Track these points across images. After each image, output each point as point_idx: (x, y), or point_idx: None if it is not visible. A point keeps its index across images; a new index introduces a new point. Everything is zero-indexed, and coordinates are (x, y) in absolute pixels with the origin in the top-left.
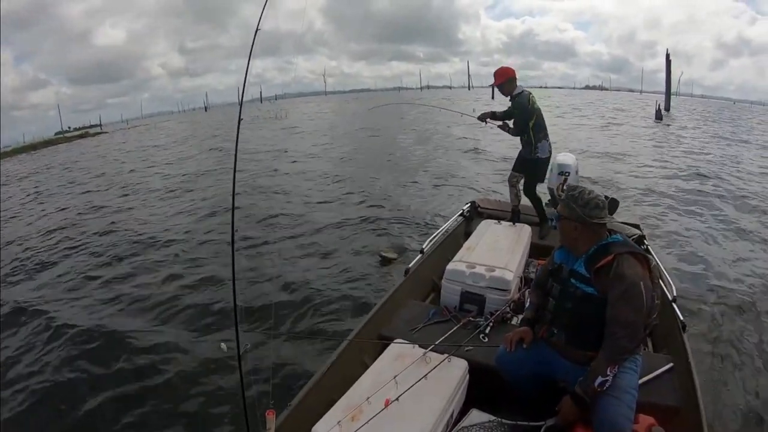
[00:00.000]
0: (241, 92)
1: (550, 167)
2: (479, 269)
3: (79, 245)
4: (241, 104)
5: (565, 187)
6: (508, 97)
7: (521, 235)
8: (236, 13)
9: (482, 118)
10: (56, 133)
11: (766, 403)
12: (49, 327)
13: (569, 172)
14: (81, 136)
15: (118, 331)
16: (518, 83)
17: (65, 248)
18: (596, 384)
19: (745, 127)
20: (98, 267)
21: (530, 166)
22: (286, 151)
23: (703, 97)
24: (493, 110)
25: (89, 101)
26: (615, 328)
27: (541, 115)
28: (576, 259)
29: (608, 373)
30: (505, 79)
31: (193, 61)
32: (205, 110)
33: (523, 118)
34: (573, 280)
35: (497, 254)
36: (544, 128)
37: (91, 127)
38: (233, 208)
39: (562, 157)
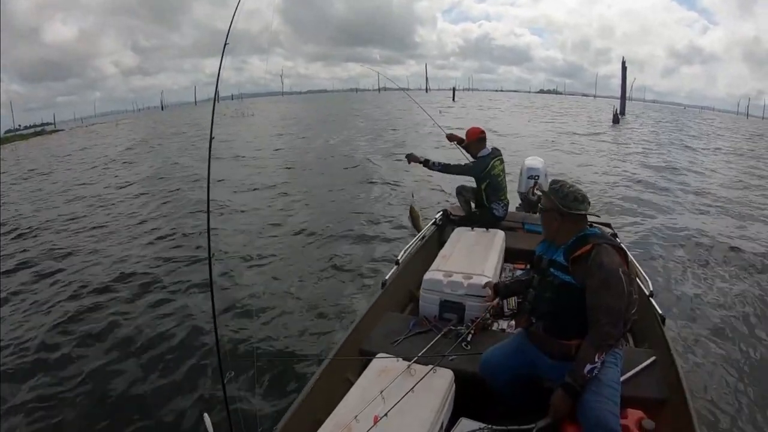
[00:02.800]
0: (215, 95)
1: (519, 171)
2: (456, 277)
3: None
4: (215, 105)
5: (536, 190)
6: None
7: (495, 240)
8: (189, 11)
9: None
10: (7, 132)
11: (750, 387)
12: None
13: (538, 176)
14: (37, 134)
15: (93, 361)
16: (486, 144)
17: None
18: (585, 371)
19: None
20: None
21: (484, 214)
22: None
23: (654, 102)
24: (427, 158)
25: (38, 99)
26: (598, 314)
27: (498, 181)
28: (556, 250)
29: (596, 360)
30: (474, 138)
31: (146, 59)
32: (162, 109)
33: (472, 174)
34: (552, 269)
35: (473, 261)
36: (500, 191)
37: (44, 125)
38: (209, 228)
39: (530, 161)
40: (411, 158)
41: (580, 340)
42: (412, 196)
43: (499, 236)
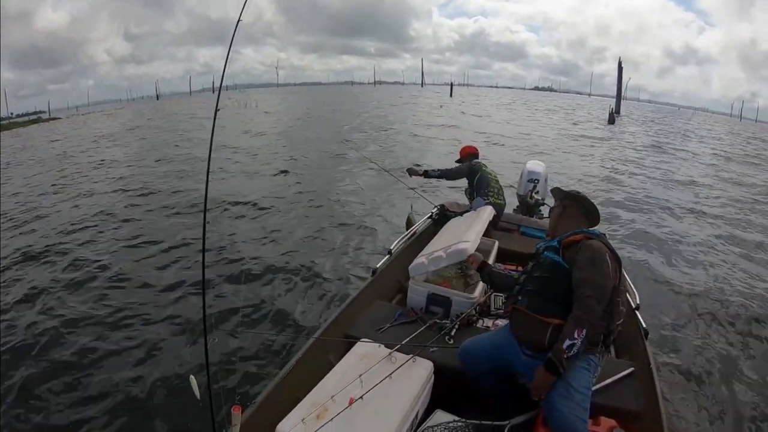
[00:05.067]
0: (220, 83)
1: (520, 174)
2: (437, 253)
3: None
4: (219, 94)
5: (534, 194)
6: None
7: (480, 213)
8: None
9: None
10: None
11: (723, 406)
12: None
13: (538, 180)
14: (32, 122)
15: (78, 328)
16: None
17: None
18: (564, 346)
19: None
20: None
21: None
22: None
23: (649, 102)
24: (426, 170)
25: (29, 86)
26: (583, 288)
27: (489, 177)
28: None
29: (576, 336)
30: (464, 154)
31: (138, 47)
32: (157, 99)
33: (466, 173)
34: (545, 253)
35: (455, 236)
36: (488, 186)
37: (39, 113)
38: (205, 200)
39: (531, 164)
40: (411, 172)
41: (560, 321)
42: (411, 208)
43: (485, 210)
